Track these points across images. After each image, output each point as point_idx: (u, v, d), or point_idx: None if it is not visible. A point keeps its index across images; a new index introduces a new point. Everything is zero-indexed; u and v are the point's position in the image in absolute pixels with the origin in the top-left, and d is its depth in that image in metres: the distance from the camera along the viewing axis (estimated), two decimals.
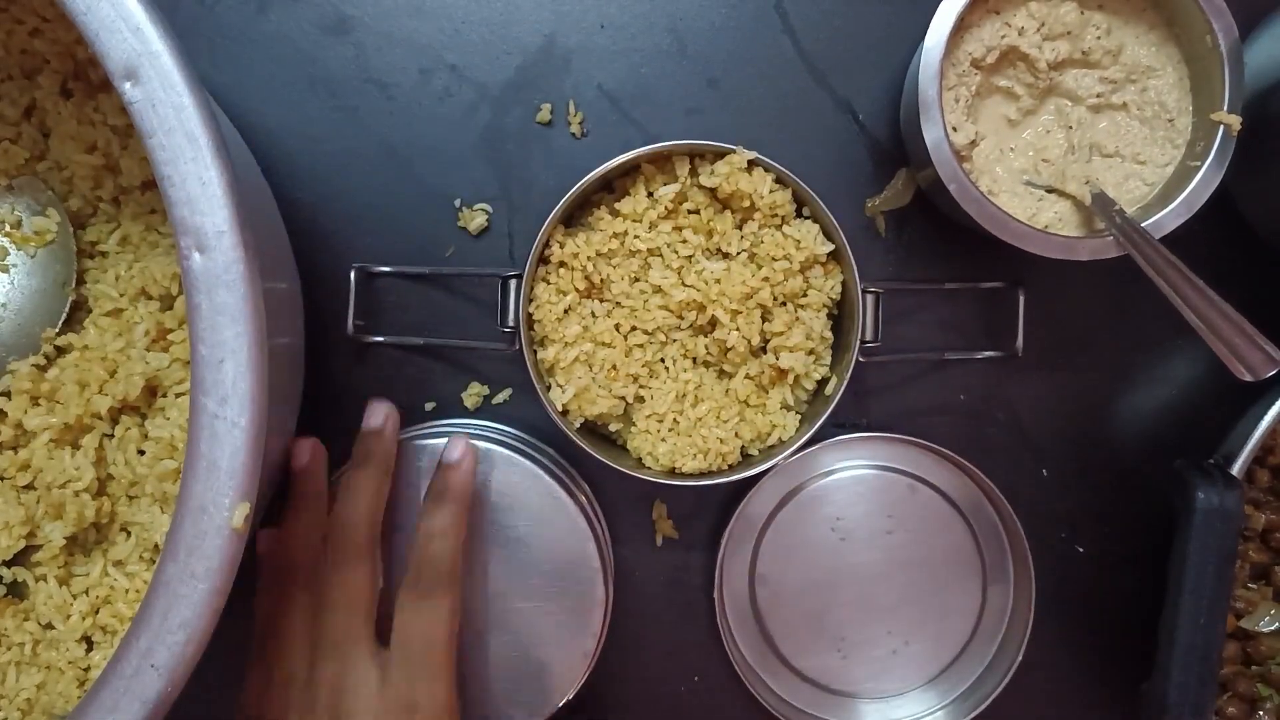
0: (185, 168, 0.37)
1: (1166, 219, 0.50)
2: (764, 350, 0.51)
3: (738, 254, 0.51)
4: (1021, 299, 0.56)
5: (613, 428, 0.53)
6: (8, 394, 0.50)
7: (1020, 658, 0.55)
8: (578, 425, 0.51)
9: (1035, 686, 0.58)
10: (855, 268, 0.50)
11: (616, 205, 0.51)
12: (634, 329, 0.51)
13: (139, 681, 0.37)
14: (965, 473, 0.57)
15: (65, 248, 0.52)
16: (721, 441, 0.51)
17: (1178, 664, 0.50)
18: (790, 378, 0.51)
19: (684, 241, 0.51)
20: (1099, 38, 0.51)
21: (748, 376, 0.51)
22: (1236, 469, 0.52)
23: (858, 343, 0.50)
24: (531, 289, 0.51)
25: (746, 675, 0.56)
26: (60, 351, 0.51)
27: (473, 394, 0.57)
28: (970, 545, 0.58)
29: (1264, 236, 0.56)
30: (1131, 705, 0.56)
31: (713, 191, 0.51)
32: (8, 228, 0.52)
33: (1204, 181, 0.50)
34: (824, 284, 0.51)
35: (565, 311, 0.51)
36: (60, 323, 0.52)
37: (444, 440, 0.52)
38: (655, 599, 0.58)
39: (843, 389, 0.50)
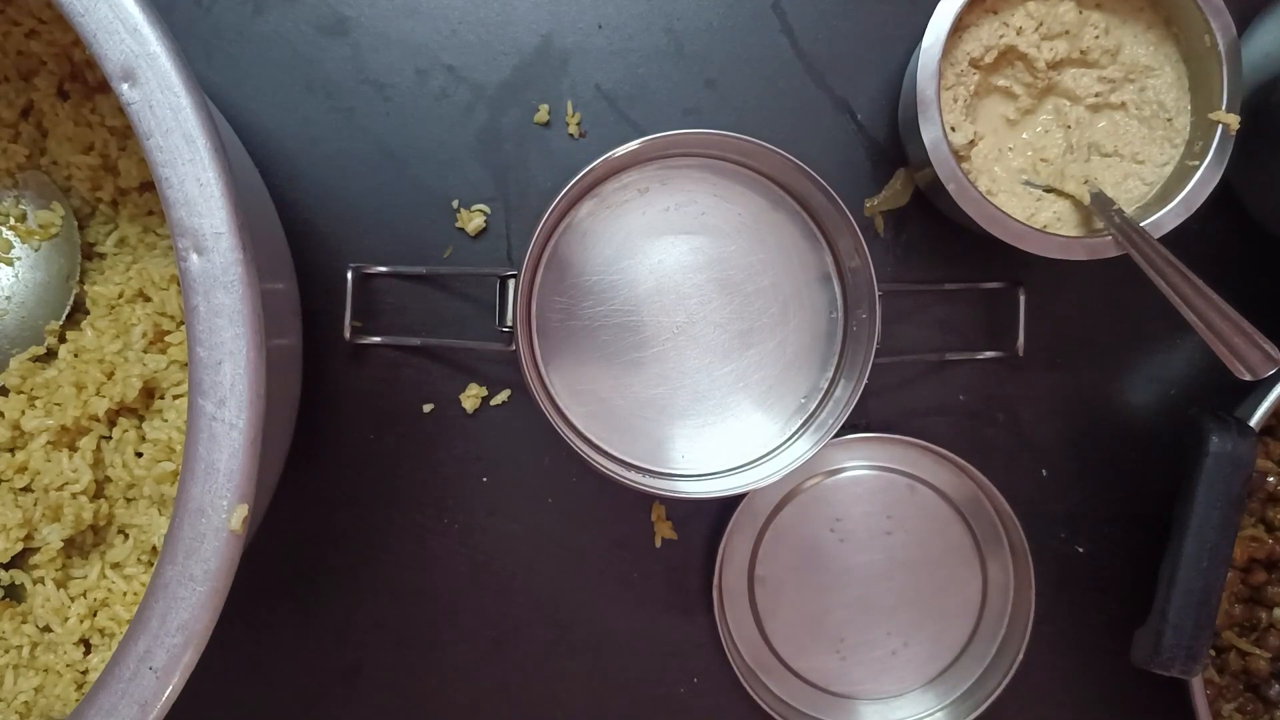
0: (183, 169, 0.37)
1: (1165, 218, 0.50)
2: None
3: None
4: (1022, 299, 0.56)
5: None
6: (6, 390, 0.50)
7: (1020, 658, 0.55)
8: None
9: (1035, 686, 0.58)
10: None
11: None
12: None
13: (137, 684, 0.37)
14: (965, 473, 0.57)
15: (69, 241, 0.52)
16: None
17: (1175, 605, 0.50)
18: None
19: None
20: (1097, 37, 0.51)
21: None
22: (1253, 423, 0.52)
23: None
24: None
25: (746, 676, 0.56)
26: (64, 343, 0.51)
27: (471, 395, 0.57)
28: (970, 546, 0.58)
29: (1267, 229, 0.56)
30: (1132, 704, 0.56)
31: None
32: (13, 221, 0.52)
33: (1203, 180, 0.50)
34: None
35: None
36: (64, 315, 0.51)
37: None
38: (655, 600, 0.58)
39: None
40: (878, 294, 0.50)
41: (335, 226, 0.57)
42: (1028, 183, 0.53)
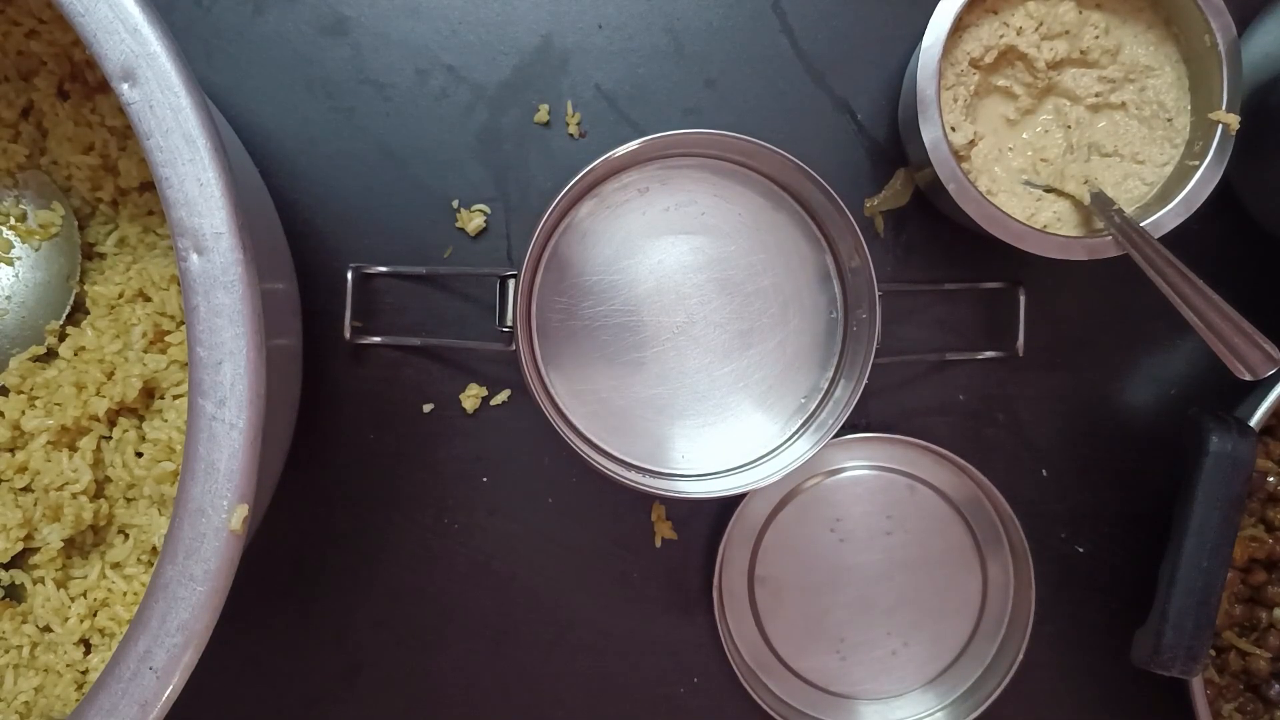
0: (183, 169, 0.37)
1: (1165, 218, 0.50)
2: None
3: None
4: (1022, 299, 0.56)
5: None
6: (6, 390, 0.50)
7: (1020, 658, 0.55)
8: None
9: (1035, 686, 0.58)
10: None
11: None
12: None
13: (137, 684, 0.37)
14: (965, 473, 0.57)
15: (69, 241, 0.52)
16: None
17: (1175, 605, 0.50)
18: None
19: None
20: (1097, 37, 0.51)
21: None
22: (1253, 423, 0.52)
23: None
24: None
25: (746, 676, 0.56)
26: (64, 343, 0.51)
27: (471, 395, 0.57)
28: (970, 546, 0.58)
29: (1267, 229, 0.56)
30: (1132, 704, 0.56)
31: None
32: (13, 221, 0.52)
33: (1203, 180, 0.50)
34: None
35: None
36: (64, 315, 0.52)
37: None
38: (655, 600, 0.58)
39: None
40: (878, 294, 0.50)
41: (335, 226, 0.57)
42: (1028, 183, 0.53)
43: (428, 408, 0.57)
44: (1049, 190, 0.53)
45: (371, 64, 0.57)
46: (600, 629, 0.58)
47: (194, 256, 0.37)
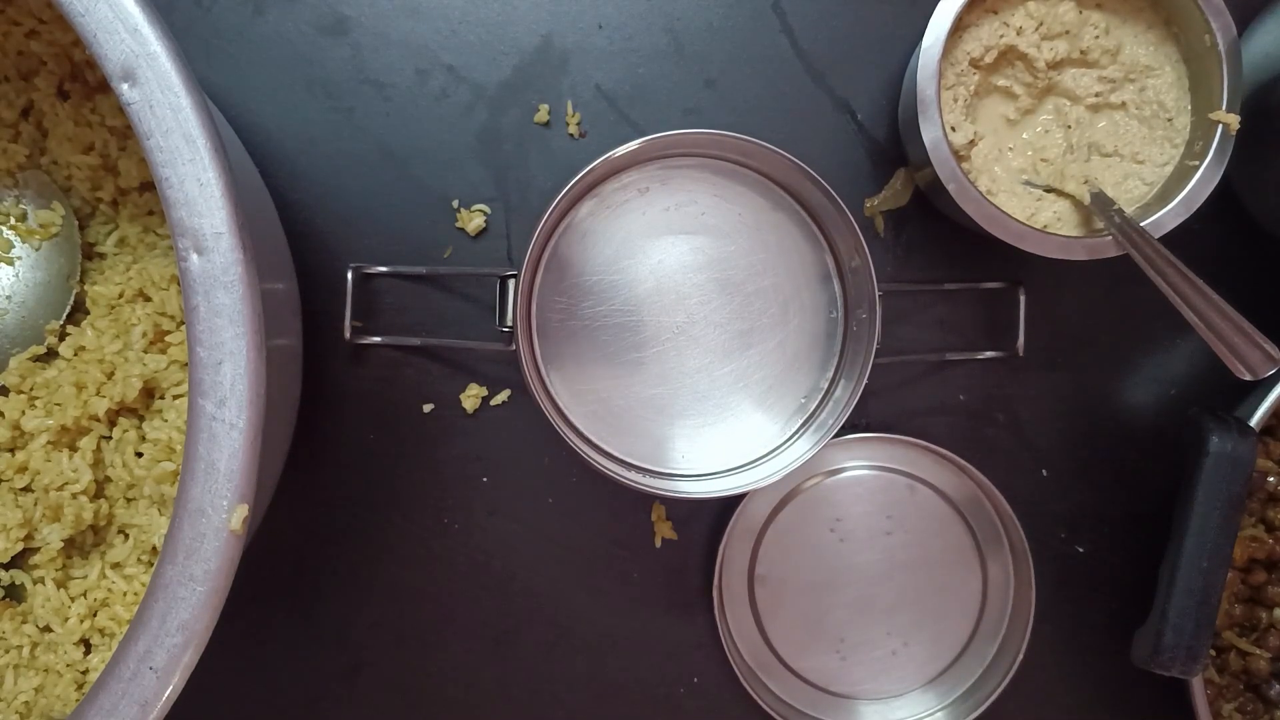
0: (183, 169, 0.37)
1: (1165, 218, 0.50)
2: None
3: None
4: (1022, 299, 0.56)
5: None
6: (6, 390, 0.50)
7: (1020, 658, 0.55)
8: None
9: (1035, 686, 0.58)
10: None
11: None
12: None
13: (137, 684, 0.37)
14: (965, 473, 0.57)
15: (69, 241, 0.52)
16: None
17: (1175, 605, 0.50)
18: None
19: None
20: (1097, 37, 0.51)
21: None
22: (1253, 423, 0.52)
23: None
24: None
25: (746, 676, 0.56)
26: (64, 342, 0.51)
27: (471, 395, 0.57)
28: (970, 546, 0.58)
29: (1267, 229, 0.56)
30: (1132, 704, 0.56)
31: None
32: (13, 221, 0.52)
33: (1203, 180, 0.50)
34: None
35: None
36: (65, 315, 0.52)
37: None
38: (655, 600, 0.58)
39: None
40: (878, 294, 0.50)
41: (335, 226, 0.57)
42: (1028, 183, 0.53)
43: (428, 408, 0.57)
44: (1049, 190, 0.53)
45: (371, 64, 0.57)
46: (600, 629, 0.58)
47: (194, 256, 0.37)
